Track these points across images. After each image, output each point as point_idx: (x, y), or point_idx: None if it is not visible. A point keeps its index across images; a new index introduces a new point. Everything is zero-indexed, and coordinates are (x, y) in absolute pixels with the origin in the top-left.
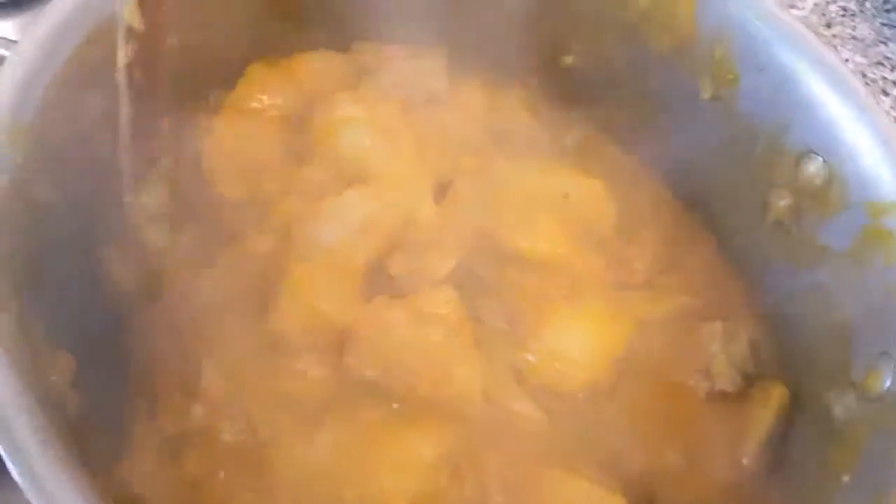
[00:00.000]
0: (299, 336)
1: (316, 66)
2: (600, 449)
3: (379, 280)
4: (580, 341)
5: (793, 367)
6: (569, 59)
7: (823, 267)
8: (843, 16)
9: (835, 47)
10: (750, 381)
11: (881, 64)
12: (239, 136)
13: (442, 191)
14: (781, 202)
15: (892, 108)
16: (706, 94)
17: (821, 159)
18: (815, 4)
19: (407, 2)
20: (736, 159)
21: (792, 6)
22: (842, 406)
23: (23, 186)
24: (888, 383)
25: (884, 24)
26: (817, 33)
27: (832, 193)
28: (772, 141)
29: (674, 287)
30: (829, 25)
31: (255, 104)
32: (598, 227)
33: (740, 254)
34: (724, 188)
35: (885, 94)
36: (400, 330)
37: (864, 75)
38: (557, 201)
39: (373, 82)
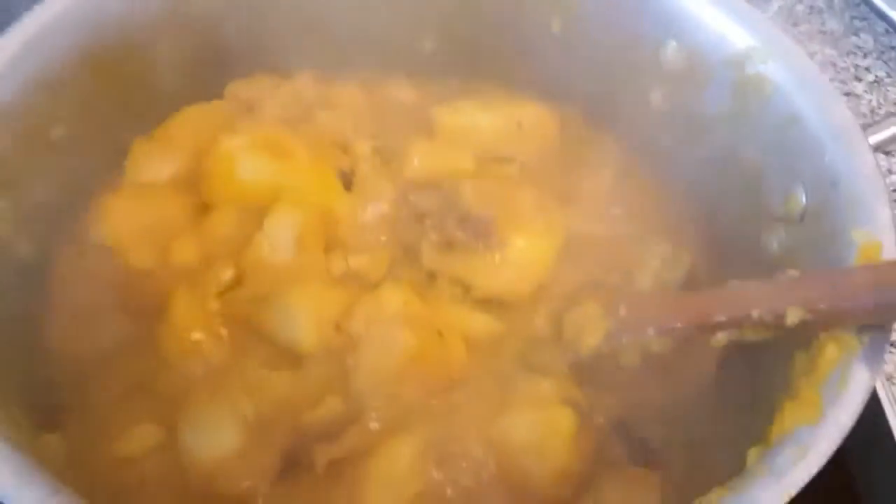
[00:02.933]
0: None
1: (192, 123)
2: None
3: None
4: (523, 253)
5: (720, 226)
6: (428, 45)
7: (718, 132)
8: (811, 13)
9: (802, 42)
10: None
11: (853, 53)
12: (138, 209)
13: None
14: (658, 93)
15: (865, 91)
16: (556, 26)
17: (674, 43)
18: (780, 7)
19: (268, 28)
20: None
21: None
22: (776, 240)
23: None
24: (803, 201)
25: (854, 17)
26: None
27: (695, 67)
28: (636, 39)
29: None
30: (795, 24)
31: (148, 177)
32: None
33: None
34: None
35: (858, 79)
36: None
37: (834, 65)
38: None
39: (251, 116)
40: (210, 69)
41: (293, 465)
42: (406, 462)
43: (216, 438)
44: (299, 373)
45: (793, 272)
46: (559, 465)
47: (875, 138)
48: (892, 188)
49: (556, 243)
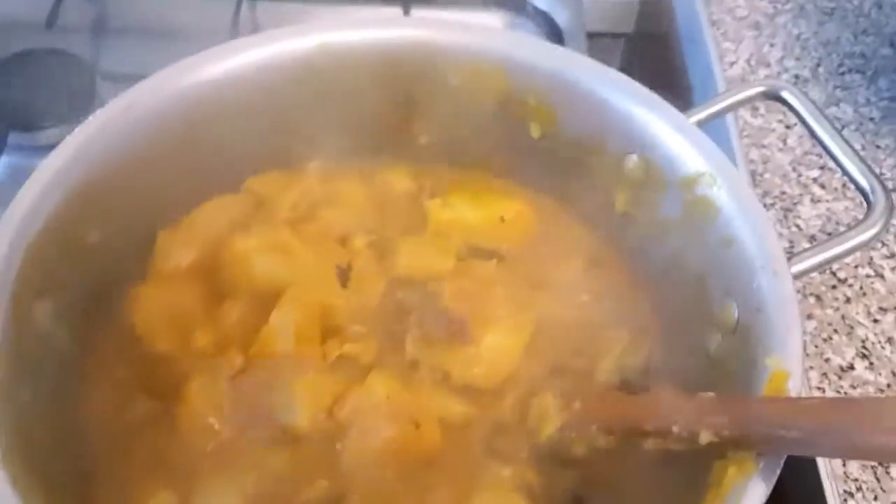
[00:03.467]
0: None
1: (210, 216)
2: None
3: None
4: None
5: (674, 319)
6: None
7: (672, 236)
8: (795, 83)
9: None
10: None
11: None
12: (162, 297)
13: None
14: (622, 197)
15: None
16: (535, 133)
17: (635, 157)
18: (766, 76)
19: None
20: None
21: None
22: (714, 345)
23: None
24: (735, 316)
25: (837, 87)
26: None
27: (652, 178)
28: (603, 148)
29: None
30: None
31: (171, 265)
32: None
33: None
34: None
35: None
36: None
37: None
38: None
39: (264, 210)
40: (227, 169)
41: None
42: None
43: None
44: (295, 453)
45: (710, 394)
46: None
47: None
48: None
49: (524, 339)
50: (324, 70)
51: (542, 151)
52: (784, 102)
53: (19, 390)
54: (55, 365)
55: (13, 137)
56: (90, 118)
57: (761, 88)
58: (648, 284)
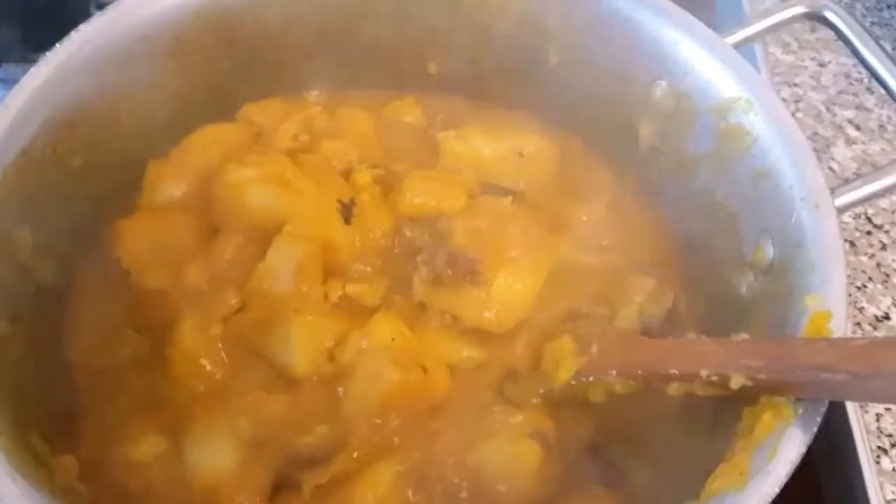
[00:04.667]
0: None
1: (204, 147)
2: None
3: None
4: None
5: (701, 262)
6: (433, 67)
7: (702, 171)
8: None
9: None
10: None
11: None
12: (152, 231)
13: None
14: (648, 130)
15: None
16: (554, 59)
17: (664, 83)
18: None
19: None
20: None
21: None
22: (745, 285)
23: None
24: (771, 254)
25: (874, 23)
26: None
27: (682, 107)
28: (627, 76)
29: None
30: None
31: (162, 198)
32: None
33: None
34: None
35: None
36: None
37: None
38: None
39: (262, 141)
40: (223, 91)
41: (283, 486)
42: (385, 487)
43: (214, 453)
44: (293, 397)
45: (744, 336)
46: (526, 493)
47: None
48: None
49: (539, 281)
50: None
51: (562, 82)
52: (827, 23)
53: None
54: (37, 300)
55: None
56: (71, 33)
57: (802, 9)
58: (675, 226)
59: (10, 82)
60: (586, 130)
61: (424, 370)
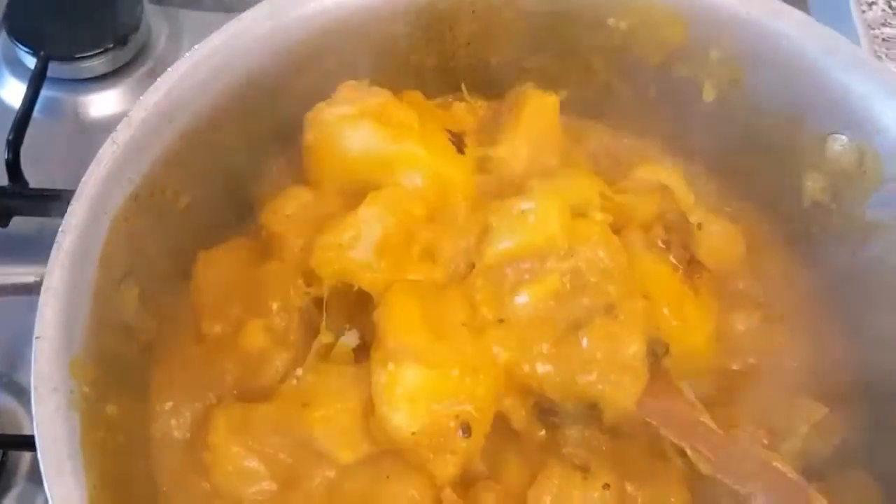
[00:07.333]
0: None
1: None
2: None
3: None
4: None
5: None
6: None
7: (876, 240)
8: None
9: None
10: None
11: None
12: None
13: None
14: (815, 185)
15: None
16: (709, 95)
17: (845, 138)
18: None
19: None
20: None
21: None
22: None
23: None
24: None
25: None
26: None
27: (867, 169)
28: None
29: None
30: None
31: None
32: None
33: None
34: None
35: None
36: None
37: None
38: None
39: None
40: None
41: None
42: None
43: None
44: None
45: None
46: None
47: None
48: None
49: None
50: None
51: (715, 119)
52: None
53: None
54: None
55: (53, 69)
56: (169, 70)
57: None
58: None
59: (57, 81)
60: (737, 173)
61: None
